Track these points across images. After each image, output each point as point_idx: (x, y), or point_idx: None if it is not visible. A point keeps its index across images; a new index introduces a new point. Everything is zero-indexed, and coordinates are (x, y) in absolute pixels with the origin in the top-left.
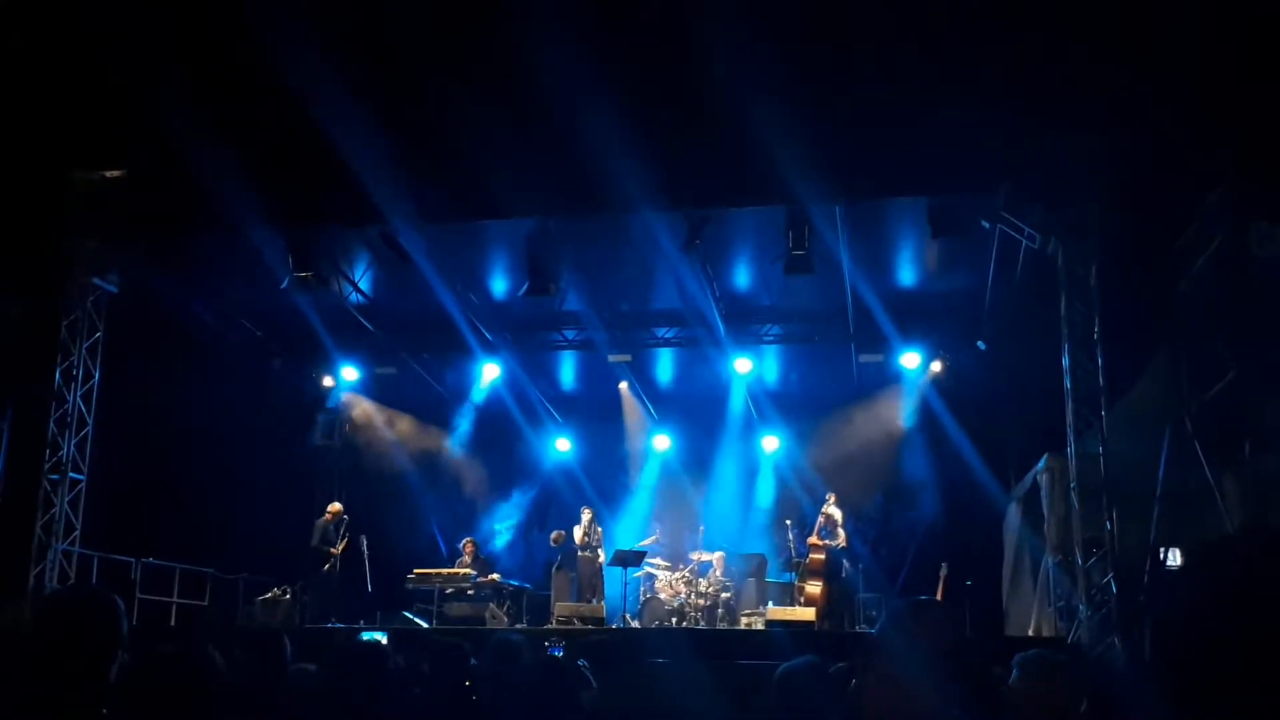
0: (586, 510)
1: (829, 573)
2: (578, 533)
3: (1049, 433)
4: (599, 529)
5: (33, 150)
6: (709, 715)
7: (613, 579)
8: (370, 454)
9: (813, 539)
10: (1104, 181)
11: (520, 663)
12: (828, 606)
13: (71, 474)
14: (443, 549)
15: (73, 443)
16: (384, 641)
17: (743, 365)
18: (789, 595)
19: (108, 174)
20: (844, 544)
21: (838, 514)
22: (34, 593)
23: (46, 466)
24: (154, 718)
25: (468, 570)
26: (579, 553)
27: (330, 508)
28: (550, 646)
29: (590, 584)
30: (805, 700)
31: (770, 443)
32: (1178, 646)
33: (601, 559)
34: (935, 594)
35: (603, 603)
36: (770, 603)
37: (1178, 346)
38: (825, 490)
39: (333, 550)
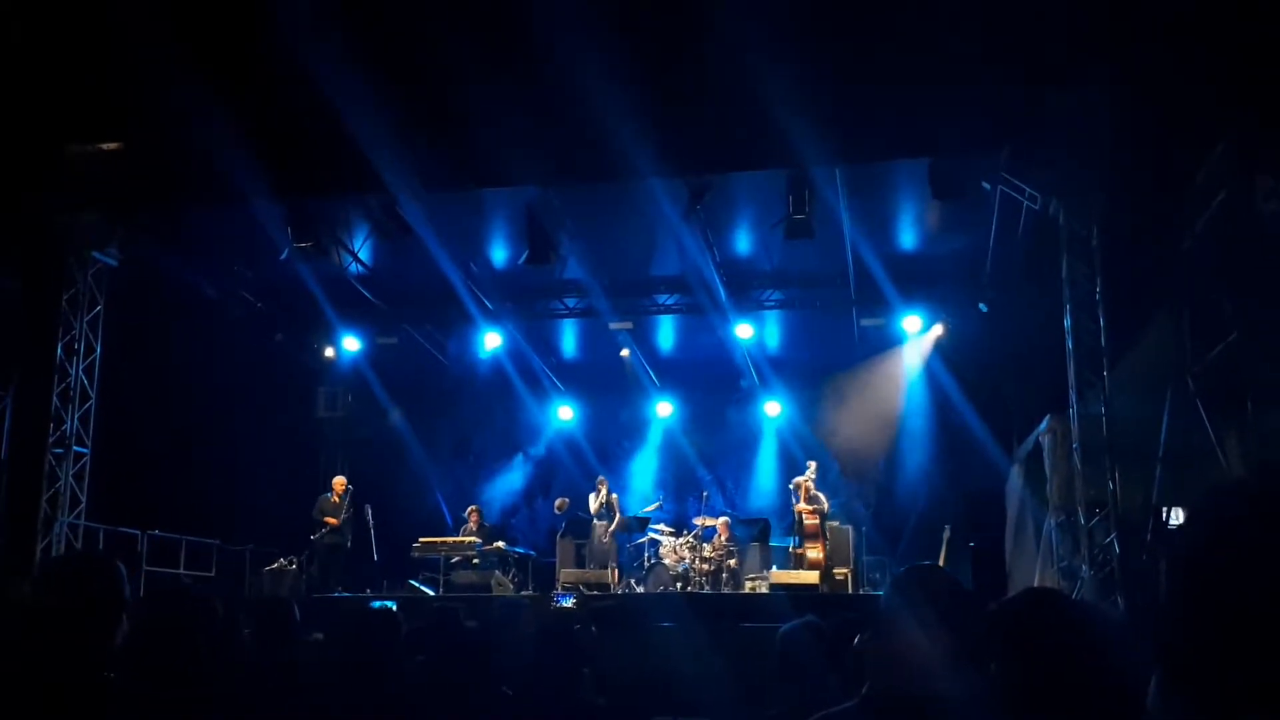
0: (603, 481)
1: (826, 534)
2: (593, 502)
3: (1051, 394)
4: (614, 496)
5: (28, 123)
6: (713, 677)
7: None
8: (373, 424)
9: (799, 506)
10: (1105, 141)
11: (520, 626)
12: (830, 568)
13: (76, 448)
14: (447, 518)
15: (75, 416)
16: (395, 609)
17: (744, 331)
18: (793, 559)
19: (105, 146)
20: (826, 508)
21: (807, 483)
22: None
23: (50, 440)
24: (159, 682)
25: (473, 539)
26: (594, 521)
27: (335, 482)
28: (558, 595)
29: (603, 551)
30: (804, 660)
31: (772, 408)
32: (1179, 593)
33: (613, 527)
34: (939, 557)
35: (617, 569)
36: (774, 566)
37: (1180, 305)
38: (828, 456)
39: (329, 520)
